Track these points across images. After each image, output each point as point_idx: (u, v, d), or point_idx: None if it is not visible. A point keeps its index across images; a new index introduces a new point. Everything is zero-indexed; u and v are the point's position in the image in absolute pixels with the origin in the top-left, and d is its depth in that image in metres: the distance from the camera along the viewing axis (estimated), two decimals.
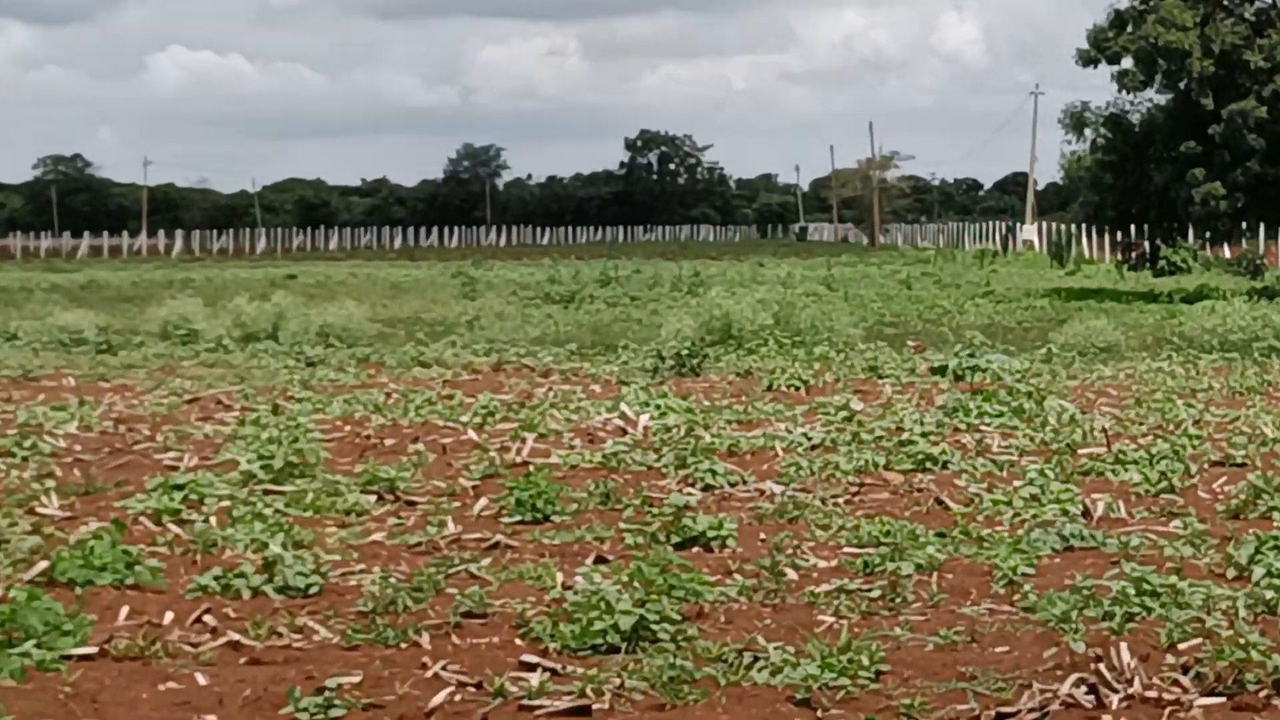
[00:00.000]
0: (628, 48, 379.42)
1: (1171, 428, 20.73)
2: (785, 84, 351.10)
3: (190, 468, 17.77)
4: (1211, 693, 9.43)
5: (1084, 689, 9.52)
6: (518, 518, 15.22)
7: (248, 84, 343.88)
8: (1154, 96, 51.48)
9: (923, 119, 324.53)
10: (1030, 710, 9.26)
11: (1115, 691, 9.47)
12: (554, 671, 10.03)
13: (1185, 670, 9.77)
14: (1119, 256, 61.39)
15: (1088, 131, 53.75)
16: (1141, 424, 21.33)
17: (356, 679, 9.76)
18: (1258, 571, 12.05)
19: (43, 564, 12.65)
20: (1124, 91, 51.79)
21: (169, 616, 11.41)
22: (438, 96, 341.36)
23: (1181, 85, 49.76)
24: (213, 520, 14.76)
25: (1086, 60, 52.40)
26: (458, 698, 9.49)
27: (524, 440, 19.86)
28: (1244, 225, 55.26)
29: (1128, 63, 50.93)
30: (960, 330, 36.83)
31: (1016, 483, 16.45)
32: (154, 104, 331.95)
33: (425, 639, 10.86)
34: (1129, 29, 50.43)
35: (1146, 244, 56.30)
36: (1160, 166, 50.64)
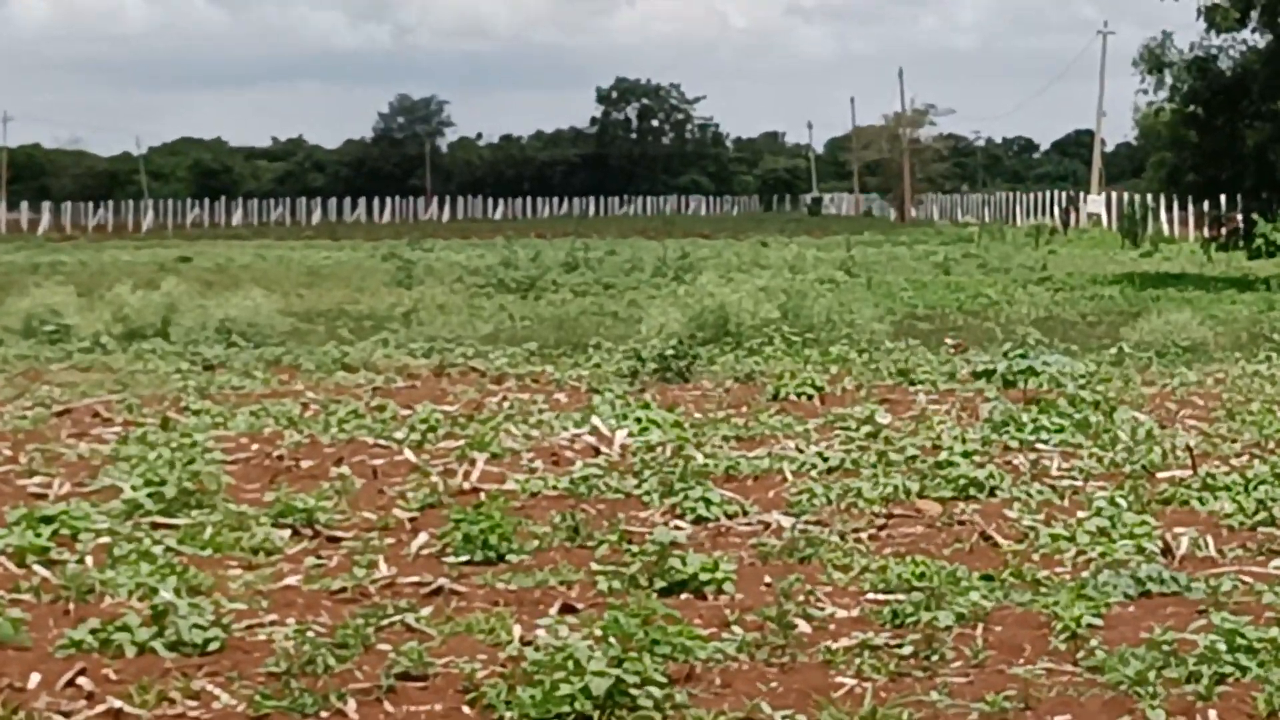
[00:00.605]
0: None
1: (1272, 446, 20.78)
2: (795, 20, 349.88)
3: (61, 495, 17.83)
4: None
5: None
6: (465, 557, 15.15)
7: (130, 21, 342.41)
8: (1250, 37, 51.61)
9: (965, 64, 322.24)
10: None
11: None
12: None
13: None
14: (1206, 234, 61.60)
15: (1168, 78, 53.88)
16: (1235, 441, 21.41)
17: None
18: None
19: None
20: (1214, 31, 51.93)
21: (35, 679, 11.35)
22: (364, 36, 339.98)
23: None
24: (89, 560, 14.64)
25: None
26: None
27: (473, 462, 19.88)
28: None
29: (1227, 13, 51.01)
30: (1011, 326, 36.92)
31: (1081, 514, 16.44)
32: (13, 45, 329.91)
33: (351, 706, 10.84)
34: None
35: (1240, 218, 56.46)
36: (1256, 123, 50.83)
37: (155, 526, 16.19)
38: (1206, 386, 27.18)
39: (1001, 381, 27.10)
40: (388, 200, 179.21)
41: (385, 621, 12.88)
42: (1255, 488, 17.46)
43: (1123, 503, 16.77)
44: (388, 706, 10.92)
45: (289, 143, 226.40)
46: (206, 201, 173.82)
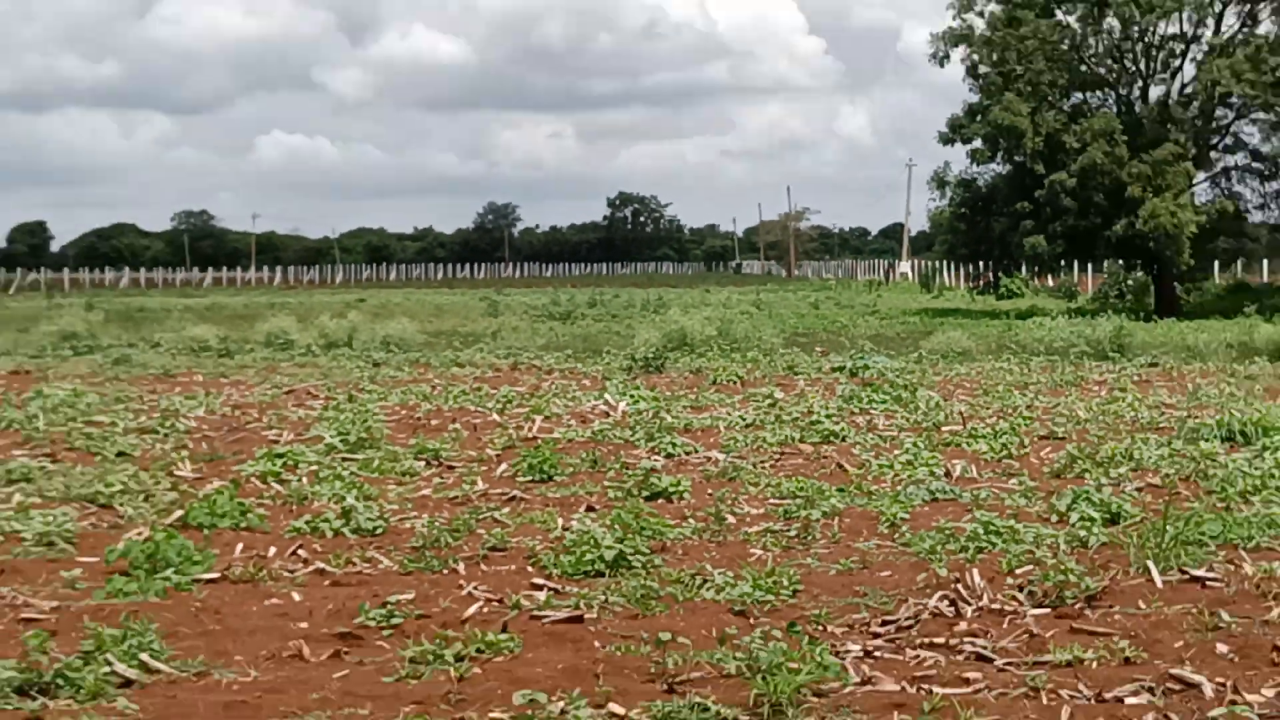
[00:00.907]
0: (609, 132, 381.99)
1: (1010, 411, 20.82)
2: (726, 159, 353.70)
3: (288, 442, 17.83)
4: (1040, 605, 9.57)
5: (946, 603, 9.67)
6: (529, 478, 15.28)
7: (329, 158, 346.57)
8: (996, 167, 51.68)
9: (827, 184, 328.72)
10: (907, 618, 9.37)
11: (969, 605, 9.60)
12: (556, 590, 10.25)
13: (1021, 589, 9.93)
14: (970, 285, 61.66)
15: (948, 192, 53.81)
16: (988, 408, 21.36)
17: (410, 596, 9.86)
18: (1073, 516, 12.31)
19: (178, 512, 12.94)
20: (974, 164, 52.00)
21: (272, 551, 11.65)
22: (469, 168, 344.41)
23: (1017, 159, 49.89)
24: (304, 480, 14.94)
25: (946, 140, 52.42)
26: (485, 610, 9.63)
27: (534, 421, 19.94)
28: (1062, 263, 55.60)
29: (977, 143, 51.13)
30: (855, 339, 36.73)
31: (896, 452, 16.70)
32: (261, 173, 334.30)
33: (461, 567, 11.08)
34: (978, 117, 50.66)
35: (990, 275, 56.56)
36: (1000, 220, 50.81)
37: (344, 460, 16.42)
38: (971, 376, 27.20)
39: (849, 373, 27.03)
40: (482, 265, 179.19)
41: (481, 516, 13.10)
42: (1000, 436, 17.66)
43: (921, 445, 17.11)
44: (483, 567, 11.12)
45: (423, 230, 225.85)
46: (374, 266, 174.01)
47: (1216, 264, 52.87)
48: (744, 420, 20.20)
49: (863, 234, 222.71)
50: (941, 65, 51.43)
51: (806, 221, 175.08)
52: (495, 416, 20.99)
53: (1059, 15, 49.96)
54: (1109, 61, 50.55)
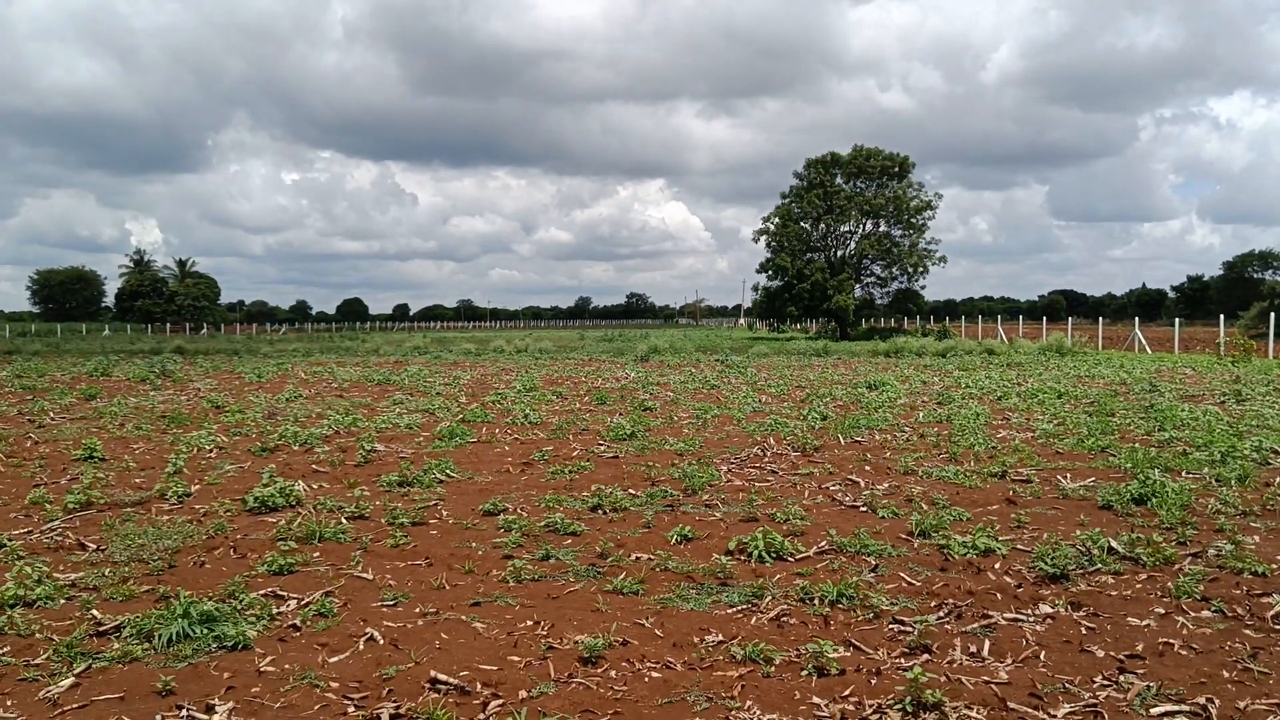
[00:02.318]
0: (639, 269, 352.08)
1: (783, 376, 19.48)
2: (673, 279, 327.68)
3: (504, 386, 17.10)
4: (795, 450, 9.38)
5: (759, 450, 9.45)
6: (595, 402, 14.28)
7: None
8: (778, 281, 51.10)
9: (713, 290, 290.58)
10: (742, 457, 9.13)
11: (766, 451, 9.36)
12: (607, 446, 9.89)
13: (789, 444, 9.81)
14: (767, 328, 61.40)
15: (758, 293, 54.05)
16: (775, 375, 20.64)
17: (552, 449, 9.72)
18: (808, 413, 11.67)
19: (460, 415, 12.35)
20: (771, 280, 51.73)
21: (496, 433, 11.10)
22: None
23: (786, 279, 49.82)
24: (509, 402, 14.00)
25: (760, 271, 52.41)
26: (579, 453, 9.43)
27: (595, 380, 19.56)
28: (802, 319, 56.11)
29: (772, 274, 50.85)
30: (725, 349, 36.44)
31: (740, 392, 15.65)
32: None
33: (570, 437, 10.49)
34: (771, 262, 50.36)
35: (776, 325, 56.38)
36: (780, 301, 50.96)
37: (523, 394, 15.14)
38: (767, 363, 26.62)
39: (721, 361, 26.50)
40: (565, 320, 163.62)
41: (579, 418, 11.95)
42: (780, 385, 16.57)
43: (749, 389, 15.93)
44: (578, 438, 10.49)
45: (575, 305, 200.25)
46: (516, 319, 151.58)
47: (863, 320, 53.18)
48: (680, 381, 19.14)
49: (734, 313, 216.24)
50: (756, 241, 52.12)
51: (703, 302, 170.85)
52: (584, 379, 19.64)
53: (805, 225, 49.93)
54: (823, 240, 50.98)
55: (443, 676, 3.96)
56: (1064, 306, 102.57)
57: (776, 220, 50.81)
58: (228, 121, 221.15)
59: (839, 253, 51.07)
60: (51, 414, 13.08)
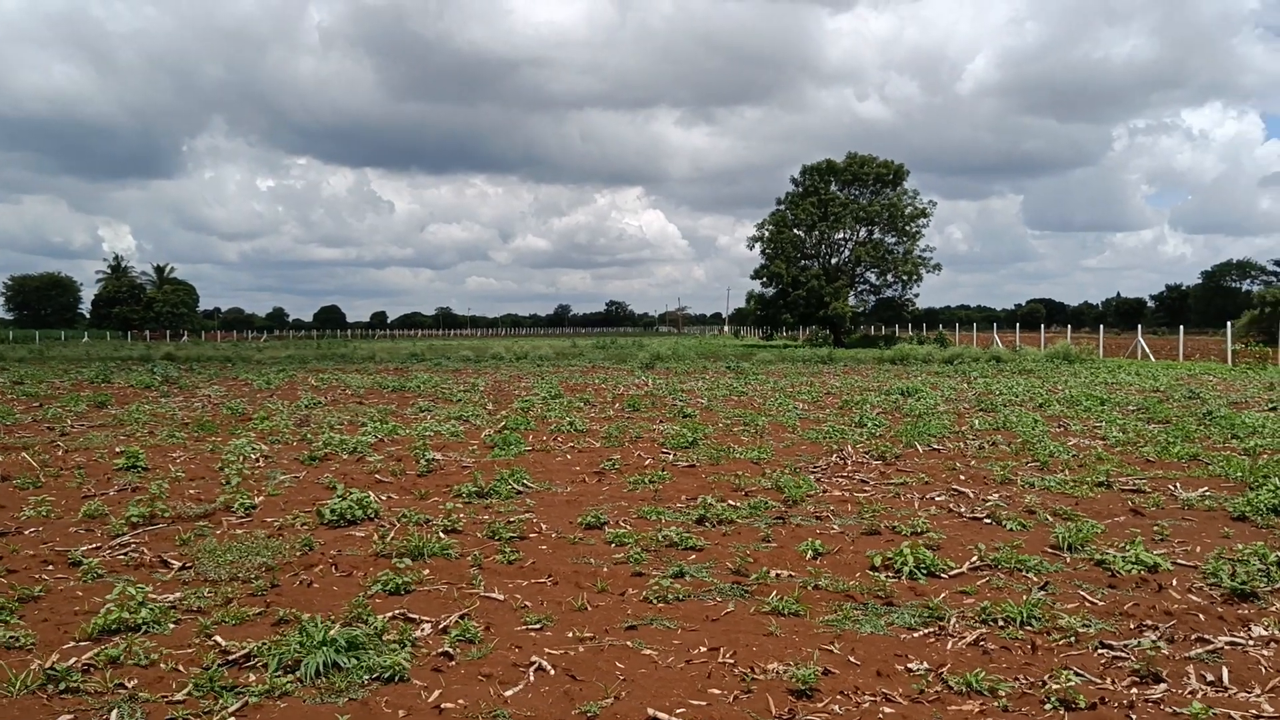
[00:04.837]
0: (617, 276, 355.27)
1: (807, 385, 20.00)
2: (651, 288, 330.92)
3: (525, 393, 16.95)
4: (878, 459, 9.31)
5: (837, 459, 9.32)
6: (629, 409, 14.20)
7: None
8: (772, 289, 51.01)
9: (693, 297, 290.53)
10: (823, 465, 9.03)
11: (847, 460, 9.29)
12: (673, 454, 9.67)
13: (868, 453, 9.68)
14: (760, 335, 61.06)
15: (751, 300, 53.87)
16: (792, 383, 20.86)
17: (618, 457, 9.52)
18: (867, 424, 11.58)
19: (501, 423, 12.17)
20: (765, 288, 51.77)
21: (549, 441, 10.92)
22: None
23: (780, 286, 49.74)
24: (540, 409, 13.85)
25: (754, 278, 52.40)
26: (648, 463, 9.25)
27: (612, 389, 19.28)
28: (798, 327, 55.76)
29: (766, 281, 50.85)
30: (724, 359, 36.29)
31: (772, 397, 15.55)
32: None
33: (631, 446, 10.45)
34: (766, 269, 50.28)
35: (769, 329, 56.14)
36: (773, 309, 50.88)
37: (549, 401, 14.91)
38: (777, 370, 26.63)
39: (726, 367, 26.53)
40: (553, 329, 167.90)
41: (627, 427, 11.84)
42: (810, 393, 16.48)
43: (780, 395, 15.85)
44: (640, 446, 10.28)
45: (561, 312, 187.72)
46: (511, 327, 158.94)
47: (860, 328, 53.29)
48: (704, 387, 18.75)
49: (716, 320, 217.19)
50: (749, 249, 52.17)
51: (687, 312, 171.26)
52: (599, 384, 19.57)
53: (799, 231, 49.98)
54: (818, 247, 51.05)
55: (661, 715, 3.53)
56: (1043, 315, 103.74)
57: (771, 227, 50.84)
58: (204, 127, 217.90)
59: (833, 260, 51.27)
60: (70, 421, 12.65)
